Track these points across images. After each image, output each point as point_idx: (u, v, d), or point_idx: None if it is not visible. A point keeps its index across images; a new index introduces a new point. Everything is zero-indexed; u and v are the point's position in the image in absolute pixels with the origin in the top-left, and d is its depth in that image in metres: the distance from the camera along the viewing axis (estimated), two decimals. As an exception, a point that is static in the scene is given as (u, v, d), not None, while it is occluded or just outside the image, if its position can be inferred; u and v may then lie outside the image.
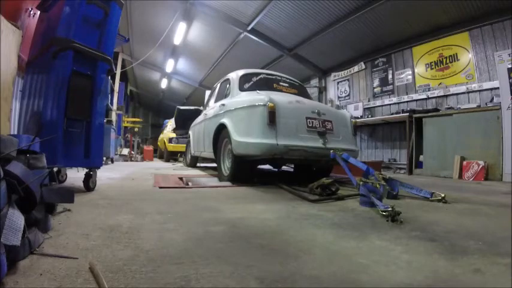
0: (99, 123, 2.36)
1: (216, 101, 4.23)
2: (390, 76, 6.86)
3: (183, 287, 0.77)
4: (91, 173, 2.39)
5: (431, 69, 5.95)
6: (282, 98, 3.04)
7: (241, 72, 3.84)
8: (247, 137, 2.88)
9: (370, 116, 7.04)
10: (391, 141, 6.71)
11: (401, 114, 5.88)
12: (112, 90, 8.78)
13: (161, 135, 10.48)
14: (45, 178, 1.26)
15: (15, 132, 2.73)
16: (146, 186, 2.84)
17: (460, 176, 4.56)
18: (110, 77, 4.09)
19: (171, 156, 8.96)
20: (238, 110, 3.16)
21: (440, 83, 5.76)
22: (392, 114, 6.36)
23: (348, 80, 8.10)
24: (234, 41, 8.13)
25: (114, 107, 9.29)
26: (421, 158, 5.42)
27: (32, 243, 0.97)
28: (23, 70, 2.92)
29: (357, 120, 6.33)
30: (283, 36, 7.51)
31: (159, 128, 16.35)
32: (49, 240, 1.11)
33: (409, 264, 0.94)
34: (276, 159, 2.89)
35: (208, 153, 4.15)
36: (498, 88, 4.48)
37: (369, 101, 7.37)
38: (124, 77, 12.53)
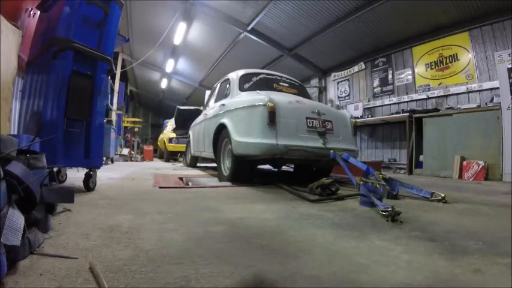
0: (99, 123, 2.36)
1: (216, 101, 4.23)
2: (390, 76, 6.86)
3: (183, 287, 0.77)
4: (91, 173, 2.39)
5: (431, 69, 5.95)
6: (282, 98, 3.04)
7: (241, 72, 3.84)
8: (247, 137, 2.88)
9: (370, 116, 7.04)
10: (391, 141, 6.70)
11: (401, 114, 5.88)
12: (112, 90, 8.78)
13: (161, 135, 10.48)
14: (45, 178, 1.26)
15: (15, 132, 2.73)
16: (146, 186, 2.84)
17: (460, 176, 4.56)
18: (110, 77, 4.09)
19: (171, 156, 8.96)
20: (238, 110, 3.16)
21: (440, 83, 5.76)
22: (392, 114, 6.36)
23: (348, 80, 8.10)
24: (234, 41, 8.13)
25: (114, 107, 9.29)
26: (421, 158, 5.42)
27: (32, 243, 0.97)
28: (23, 70, 2.92)
29: (357, 120, 6.33)
30: (283, 36, 7.51)
31: (159, 128, 16.35)
32: (49, 240, 1.11)
33: (409, 264, 0.94)
34: (276, 159, 2.89)
35: (208, 153, 4.14)
36: (498, 88, 4.48)
37: (369, 101, 7.37)
38: (124, 77, 12.53)
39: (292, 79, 4.22)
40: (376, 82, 7.20)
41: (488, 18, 4.94)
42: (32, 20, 3.35)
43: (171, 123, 9.41)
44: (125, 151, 9.21)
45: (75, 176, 2.98)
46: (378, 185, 2.03)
